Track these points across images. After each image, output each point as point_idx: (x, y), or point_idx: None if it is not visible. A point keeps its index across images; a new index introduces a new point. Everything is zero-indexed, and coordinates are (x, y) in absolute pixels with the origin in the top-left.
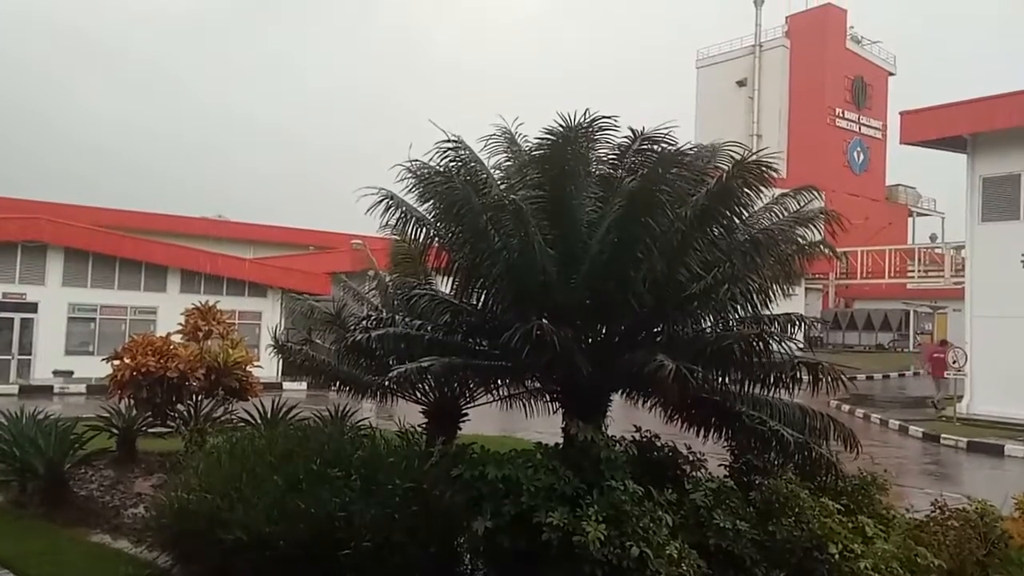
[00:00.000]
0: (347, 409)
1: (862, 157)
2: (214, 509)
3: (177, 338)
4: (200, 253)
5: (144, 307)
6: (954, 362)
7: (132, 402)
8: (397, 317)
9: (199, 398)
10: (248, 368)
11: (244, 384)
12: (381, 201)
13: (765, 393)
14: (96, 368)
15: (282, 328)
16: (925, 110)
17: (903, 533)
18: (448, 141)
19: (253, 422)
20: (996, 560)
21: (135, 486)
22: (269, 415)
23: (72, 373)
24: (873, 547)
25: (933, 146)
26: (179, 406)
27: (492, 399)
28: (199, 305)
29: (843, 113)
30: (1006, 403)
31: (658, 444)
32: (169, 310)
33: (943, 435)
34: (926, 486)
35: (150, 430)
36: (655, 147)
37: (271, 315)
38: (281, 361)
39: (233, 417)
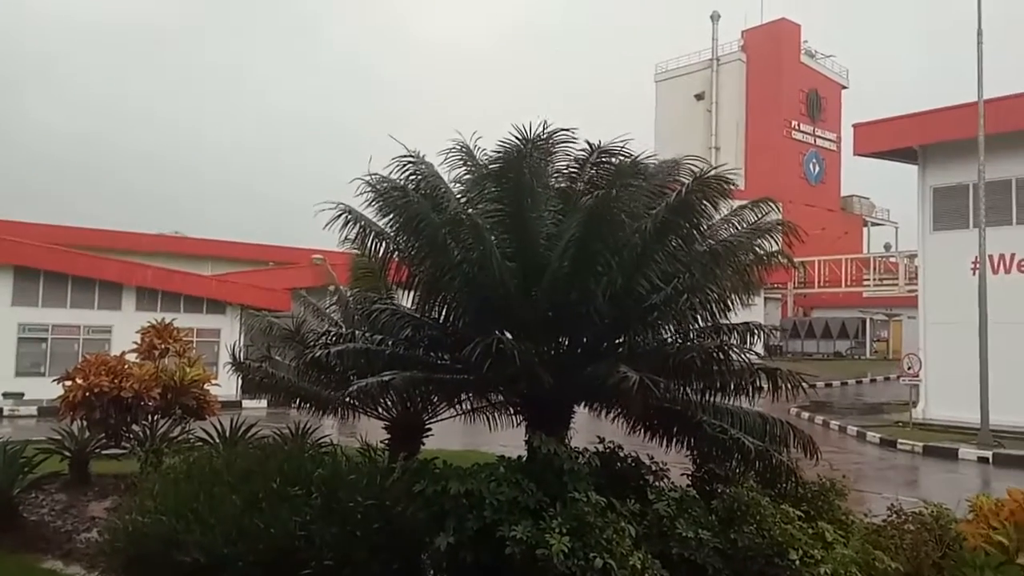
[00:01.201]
0: (308, 426)
1: (818, 168)
2: (170, 531)
3: (132, 357)
4: (156, 270)
5: (98, 326)
6: (909, 368)
7: (85, 423)
8: (358, 332)
9: (155, 418)
10: (206, 386)
11: (202, 403)
12: (340, 216)
13: (726, 402)
14: (48, 389)
15: (241, 345)
16: (877, 122)
17: (862, 538)
18: (407, 156)
19: (211, 441)
20: (951, 562)
21: (88, 510)
22: (228, 434)
23: (23, 395)
24: (833, 552)
25: (885, 157)
26: (134, 426)
27: (455, 413)
28: (155, 323)
29: (799, 125)
30: (960, 408)
31: (621, 455)
32: (124, 329)
33: (900, 440)
34: (884, 491)
35: (104, 452)
36: (613, 159)
37: (230, 332)
38: (240, 379)
39: (191, 437)
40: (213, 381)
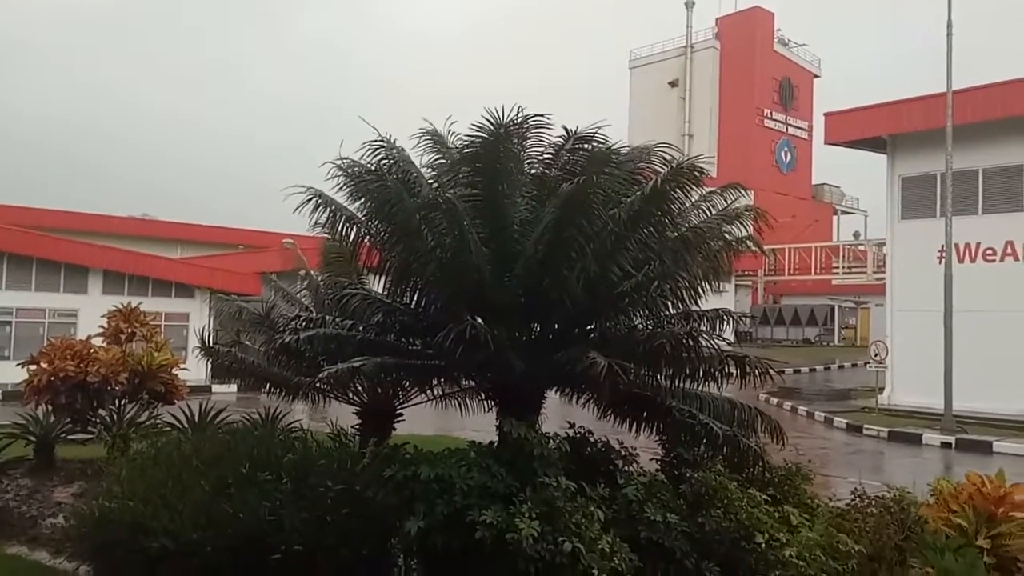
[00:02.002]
0: (278, 412)
1: (789, 157)
2: (138, 516)
3: (99, 341)
4: (124, 253)
5: (64, 309)
6: (876, 355)
7: (50, 408)
8: (328, 318)
9: (122, 403)
10: (174, 371)
11: (170, 388)
12: (310, 200)
13: (695, 387)
14: (12, 373)
15: (210, 330)
16: (848, 112)
17: (826, 521)
18: (379, 140)
19: (179, 426)
20: (913, 544)
21: (54, 495)
22: (196, 419)
23: None
24: (798, 535)
25: (855, 146)
26: (100, 411)
27: (427, 399)
28: (122, 307)
29: (771, 114)
30: (924, 393)
31: (591, 440)
32: (91, 312)
33: (866, 426)
34: (849, 475)
35: (70, 437)
36: (588, 146)
37: (199, 316)
38: (209, 364)
39: (158, 422)
40: (181, 366)
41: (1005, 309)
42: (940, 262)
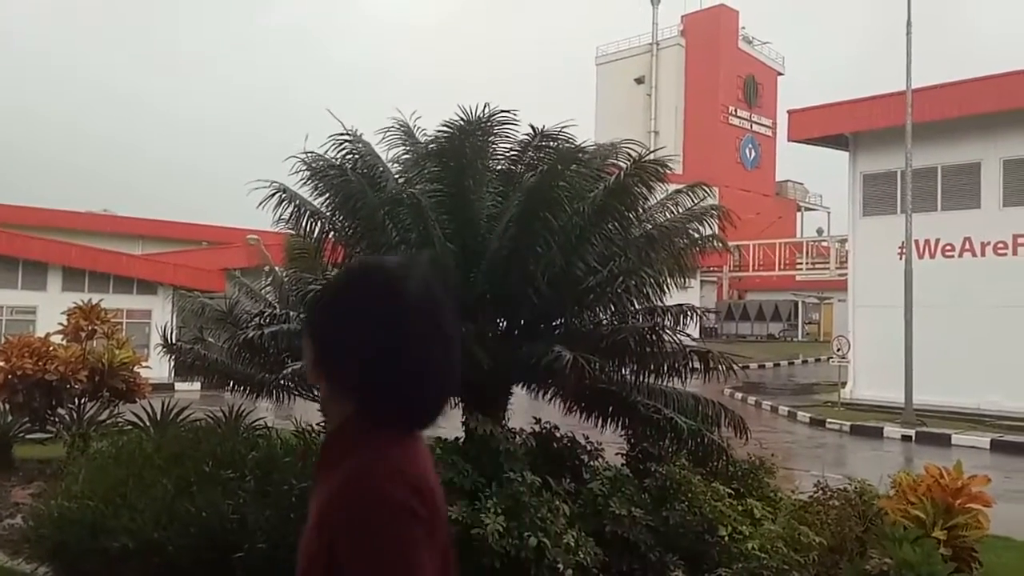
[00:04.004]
0: (242, 409)
1: (753, 154)
2: (98, 516)
3: (58, 339)
4: (83, 249)
5: (22, 306)
6: (838, 350)
7: (7, 407)
8: (292, 313)
9: (82, 401)
10: (136, 369)
11: (131, 386)
12: (274, 194)
13: (660, 383)
14: None
15: (173, 327)
16: (810, 109)
17: (789, 514)
18: (344, 134)
19: (141, 425)
20: (873, 536)
21: (12, 495)
22: (159, 417)
23: None
24: (761, 528)
25: (818, 144)
26: (60, 410)
27: None
28: (82, 304)
29: (736, 111)
30: (886, 388)
31: (558, 435)
32: (50, 309)
33: (828, 420)
34: (812, 468)
35: (28, 436)
36: (554, 144)
37: (161, 313)
38: (172, 361)
39: (120, 420)
40: (144, 363)
41: (963, 304)
42: (901, 258)
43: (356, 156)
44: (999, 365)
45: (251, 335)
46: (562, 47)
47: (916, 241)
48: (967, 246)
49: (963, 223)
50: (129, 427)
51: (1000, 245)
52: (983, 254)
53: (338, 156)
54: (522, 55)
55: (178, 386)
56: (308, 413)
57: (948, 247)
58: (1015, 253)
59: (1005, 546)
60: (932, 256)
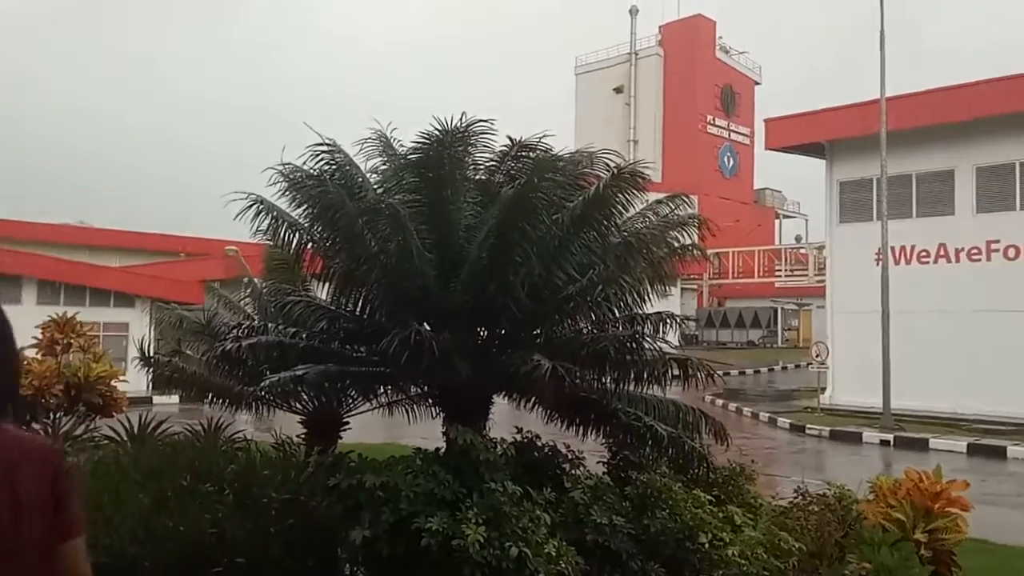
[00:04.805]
0: (221, 422)
1: (732, 162)
2: None
3: (32, 352)
4: (59, 261)
5: None
6: (817, 356)
7: None
8: (271, 325)
9: (57, 416)
10: (112, 383)
11: (108, 400)
12: (251, 206)
13: (640, 390)
14: None
15: (151, 340)
16: (787, 118)
17: (769, 520)
18: (322, 144)
19: (118, 439)
20: (852, 541)
21: None
22: (136, 431)
23: None
24: (741, 535)
25: (795, 152)
26: (34, 425)
27: (373, 407)
28: (57, 317)
29: (714, 120)
30: (864, 393)
31: (538, 444)
32: (24, 323)
33: (808, 425)
34: (792, 474)
35: None
36: (532, 153)
37: (139, 326)
38: (150, 374)
39: (96, 435)
40: (121, 377)
41: (939, 310)
42: (877, 264)
43: (334, 167)
44: (975, 370)
45: (229, 347)
46: (541, 58)
47: (892, 248)
48: (942, 252)
49: (938, 230)
50: (105, 442)
51: (974, 251)
52: (958, 260)
53: (316, 167)
54: (502, 66)
55: (156, 400)
56: (288, 425)
57: (924, 253)
58: (989, 259)
59: (982, 550)
60: (908, 262)
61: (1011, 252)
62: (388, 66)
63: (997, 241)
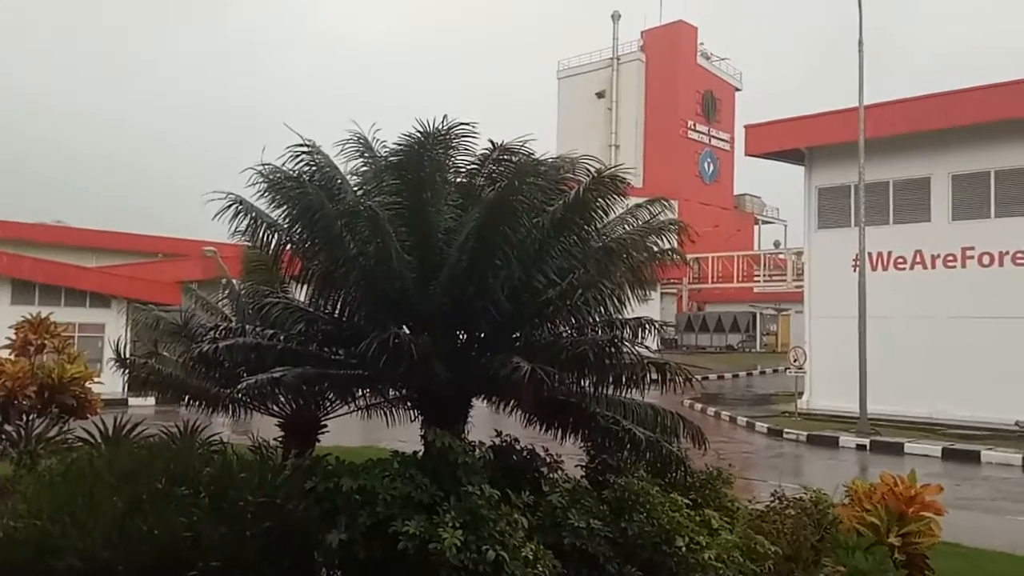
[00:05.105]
0: (198, 425)
1: (712, 168)
2: (45, 536)
3: (6, 354)
4: (34, 261)
5: None
6: (795, 360)
7: None
8: (248, 327)
9: (30, 418)
10: (87, 384)
11: (82, 401)
12: (230, 206)
13: (619, 394)
14: None
15: (127, 341)
16: (767, 124)
17: (745, 523)
18: (302, 145)
19: (92, 441)
20: (828, 544)
21: None
22: (110, 433)
23: None
24: (718, 538)
25: (775, 158)
26: (7, 427)
27: (352, 410)
28: (31, 317)
29: (695, 125)
30: (841, 398)
31: (517, 448)
32: None
33: (786, 430)
34: (770, 478)
35: None
36: (514, 157)
37: (115, 327)
38: (125, 376)
39: (70, 437)
40: (96, 379)
41: (915, 315)
42: (854, 270)
43: (314, 168)
44: (950, 375)
45: (206, 349)
46: (522, 63)
47: (869, 254)
48: (918, 259)
49: (914, 236)
50: (79, 444)
51: (950, 258)
52: (933, 266)
53: (295, 168)
54: (484, 71)
55: (132, 402)
56: (266, 428)
57: (900, 260)
58: (964, 266)
59: (955, 553)
60: (885, 268)
61: (986, 259)
62: (385, 67)
63: (972, 248)
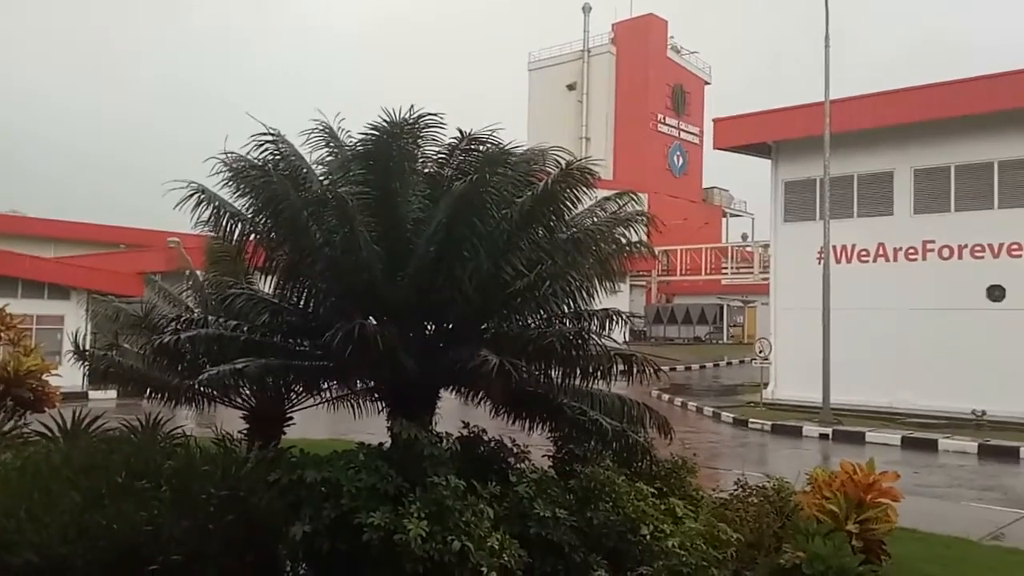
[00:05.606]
0: (161, 418)
1: (681, 161)
2: None
3: None
4: None
5: None
6: (760, 352)
7: None
8: (211, 318)
9: None
10: (45, 377)
11: (40, 395)
12: (192, 195)
13: (587, 385)
14: None
15: (88, 333)
16: (735, 118)
17: (709, 512)
18: (266, 133)
19: (50, 435)
20: (789, 531)
21: None
22: (69, 427)
23: None
24: (682, 526)
25: (742, 151)
26: None
27: (317, 402)
28: None
29: (664, 119)
30: (805, 388)
31: (485, 439)
32: None
33: (751, 420)
34: (734, 467)
35: None
36: (482, 147)
37: (75, 319)
38: (85, 368)
39: (26, 431)
40: (54, 371)
41: (877, 307)
42: (819, 263)
43: (279, 157)
44: (910, 365)
45: (167, 340)
46: (494, 54)
47: (834, 247)
48: (881, 251)
49: (877, 229)
50: (36, 438)
51: (911, 251)
52: (895, 259)
53: (260, 157)
54: (456, 61)
55: (92, 395)
56: (230, 420)
57: (864, 252)
58: (924, 258)
59: (911, 538)
60: (849, 261)
61: (945, 252)
62: (336, 58)
63: (933, 241)
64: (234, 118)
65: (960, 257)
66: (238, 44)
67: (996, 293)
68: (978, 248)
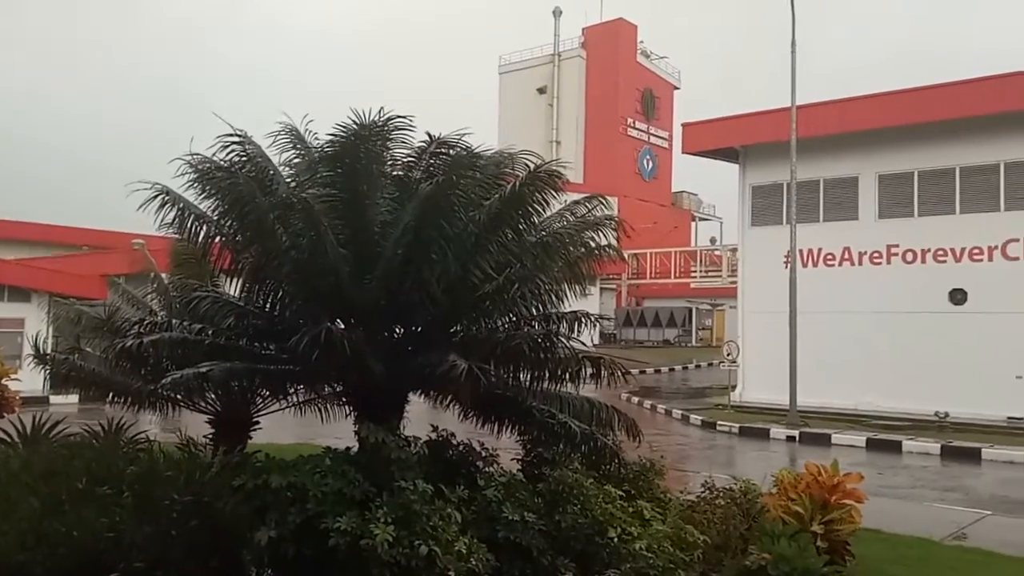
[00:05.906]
0: (124, 422)
1: (651, 165)
2: None
3: None
4: None
5: None
6: (728, 355)
7: None
8: (176, 322)
9: None
10: (4, 381)
11: None
12: (156, 196)
13: (556, 388)
14: None
15: (49, 336)
16: (703, 123)
17: (677, 514)
18: (232, 135)
19: (8, 440)
20: (756, 533)
21: None
22: (29, 432)
23: None
24: (650, 529)
25: (711, 156)
26: None
27: (284, 406)
28: None
29: (634, 123)
30: (773, 390)
31: (453, 443)
32: None
33: (719, 422)
34: (702, 469)
35: None
36: (451, 151)
37: (35, 322)
38: (46, 373)
39: None
40: (13, 376)
41: (843, 310)
42: (786, 266)
43: (245, 158)
44: (875, 367)
45: (131, 344)
46: (465, 57)
47: (800, 251)
48: (846, 255)
49: (843, 234)
50: None
51: (875, 255)
52: (860, 263)
53: (226, 158)
54: (427, 65)
55: (53, 399)
56: (196, 425)
57: (829, 256)
58: (889, 262)
59: (875, 538)
60: (815, 265)
61: (909, 256)
62: (309, 60)
63: (897, 246)
64: (199, 118)
65: (923, 261)
66: (208, 44)
67: (958, 297)
68: (941, 252)
